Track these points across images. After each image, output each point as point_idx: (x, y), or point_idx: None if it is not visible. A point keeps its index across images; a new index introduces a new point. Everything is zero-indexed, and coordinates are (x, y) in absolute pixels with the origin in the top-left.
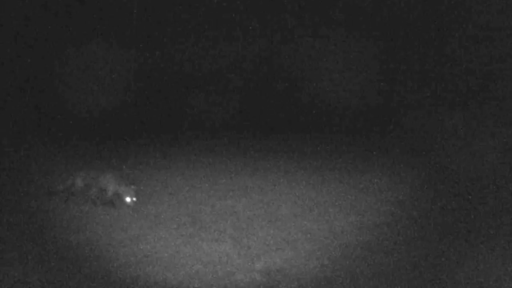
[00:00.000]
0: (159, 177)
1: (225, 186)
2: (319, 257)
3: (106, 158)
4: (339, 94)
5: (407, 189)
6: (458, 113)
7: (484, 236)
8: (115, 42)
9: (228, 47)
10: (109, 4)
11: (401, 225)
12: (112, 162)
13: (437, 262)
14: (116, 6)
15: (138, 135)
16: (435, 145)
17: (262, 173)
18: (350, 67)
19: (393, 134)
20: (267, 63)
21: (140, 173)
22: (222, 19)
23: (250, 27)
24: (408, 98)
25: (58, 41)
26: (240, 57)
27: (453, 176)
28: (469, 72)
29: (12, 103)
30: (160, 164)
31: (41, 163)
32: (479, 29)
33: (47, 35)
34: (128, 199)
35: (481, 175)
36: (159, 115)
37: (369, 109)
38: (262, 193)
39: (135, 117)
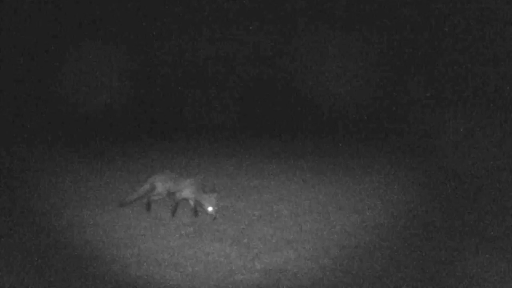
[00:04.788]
0: None
1: (225, 186)
2: (319, 257)
3: (103, 158)
4: (339, 94)
5: (407, 189)
6: (458, 113)
7: (485, 236)
8: (114, 42)
9: (228, 46)
10: (109, 4)
11: (401, 225)
12: (111, 162)
13: (437, 262)
14: (115, 6)
15: (137, 135)
16: (435, 145)
17: (262, 173)
18: (350, 67)
19: (393, 134)
20: (267, 63)
21: (140, 174)
22: (222, 19)
23: (250, 27)
24: (409, 98)
25: (58, 41)
26: (240, 57)
27: (453, 176)
28: (469, 72)
29: (13, 104)
30: (159, 164)
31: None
32: (479, 29)
33: (47, 35)
34: (210, 208)
35: (481, 175)
36: (158, 115)
37: (369, 110)
38: (262, 193)
39: (133, 117)
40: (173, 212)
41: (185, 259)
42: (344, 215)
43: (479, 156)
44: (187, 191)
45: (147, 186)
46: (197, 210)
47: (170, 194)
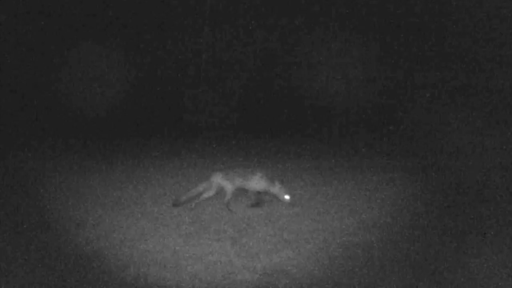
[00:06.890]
0: (158, 177)
1: None
2: (319, 257)
3: (104, 159)
4: (339, 94)
5: (407, 189)
6: (459, 113)
7: (484, 236)
8: (114, 42)
9: (228, 46)
10: (109, 4)
11: (401, 225)
12: (111, 162)
13: (437, 262)
14: (115, 6)
15: (137, 135)
16: (435, 146)
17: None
18: (350, 67)
19: (393, 134)
20: (267, 63)
21: (140, 174)
22: (222, 19)
23: (250, 27)
24: (408, 98)
25: (57, 41)
26: (240, 57)
27: (453, 176)
28: (469, 71)
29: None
30: (159, 164)
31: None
32: (479, 29)
33: (47, 35)
34: (287, 197)
35: (481, 175)
36: (158, 115)
37: (369, 109)
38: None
39: (134, 117)
40: (256, 205)
41: (185, 259)
42: (344, 215)
43: (479, 156)
44: (259, 184)
45: (203, 185)
46: (259, 202)
47: (240, 190)
